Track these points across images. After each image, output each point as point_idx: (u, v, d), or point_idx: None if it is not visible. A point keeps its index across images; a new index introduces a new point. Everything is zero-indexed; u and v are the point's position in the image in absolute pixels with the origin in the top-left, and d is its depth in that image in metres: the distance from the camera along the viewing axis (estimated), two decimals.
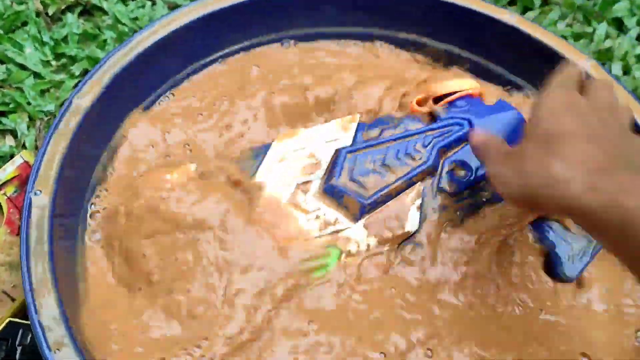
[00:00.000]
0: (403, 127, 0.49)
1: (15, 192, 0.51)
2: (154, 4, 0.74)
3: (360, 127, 0.49)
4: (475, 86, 0.52)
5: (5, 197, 0.50)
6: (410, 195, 0.46)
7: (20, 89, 0.65)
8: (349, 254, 0.45)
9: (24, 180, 0.51)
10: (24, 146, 0.62)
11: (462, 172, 0.47)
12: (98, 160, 0.50)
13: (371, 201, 0.45)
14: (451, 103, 0.50)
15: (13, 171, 0.52)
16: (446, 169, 0.47)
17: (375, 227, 0.45)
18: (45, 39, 0.68)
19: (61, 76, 0.66)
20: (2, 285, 0.49)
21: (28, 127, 0.63)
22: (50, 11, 0.71)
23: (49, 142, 0.46)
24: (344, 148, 0.47)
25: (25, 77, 0.65)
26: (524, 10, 0.76)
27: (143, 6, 0.73)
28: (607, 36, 0.74)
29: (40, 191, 0.44)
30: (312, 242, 0.44)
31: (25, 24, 0.70)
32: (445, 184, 0.47)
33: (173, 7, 0.74)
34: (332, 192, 0.46)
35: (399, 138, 0.48)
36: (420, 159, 0.46)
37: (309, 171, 0.47)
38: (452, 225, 0.47)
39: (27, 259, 0.40)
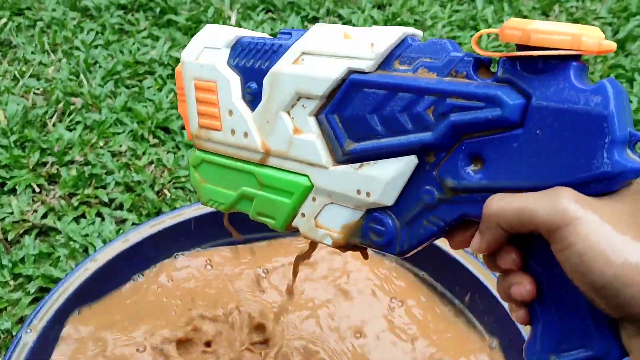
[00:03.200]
0: (448, 68, 0.35)
1: None
2: (102, 219, 0.85)
3: (403, 44, 0.37)
4: (592, 45, 0.30)
5: None
6: (402, 163, 0.36)
7: None
8: (315, 197, 0.41)
9: None
10: None
11: (471, 167, 0.34)
12: None
13: (352, 152, 0.38)
14: (530, 59, 0.32)
15: None
16: (460, 154, 0.34)
17: (351, 182, 0.39)
18: (4, 262, 0.77)
19: (18, 294, 0.74)
20: None
21: None
22: (10, 236, 0.81)
23: None
24: (355, 75, 0.37)
25: None
26: None
27: (93, 223, 0.84)
28: None
29: None
30: (289, 160, 0.42)
31: None
32: (446, 172, 0.35)
33: (120, 221, 0.85)
34: (322, 123, 0.39)
35: (415, 89, 0.35)
36: (424, 127, 0.35)
37: (314, 85, 0.39)
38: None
39: None
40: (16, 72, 1.13)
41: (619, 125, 0.29)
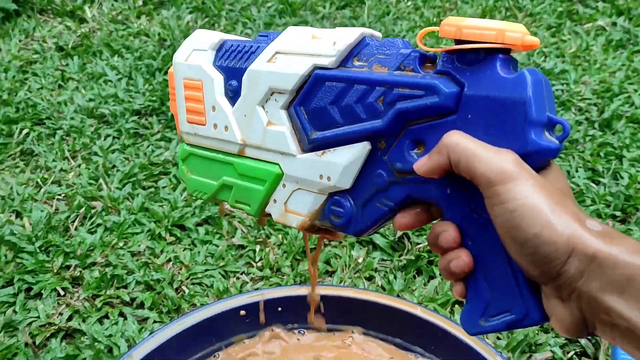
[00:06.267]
0: (398, 63, 0.39)
1: None
2: (125, 319, 0.88)
3: (362, 43, 0.41)
4: (515, 39, 0.34)
5: None
6: (356, 149, 0.41)
7: None
8: (285, 184, 0.45)
9: None
10: None
11: (415, 151, 0.39)
12: None
13: (315, 140, 0.42)
14: (463, 52, 0.36)
15: None
16: (406, 140, 0.39)
17: (315, 168, 0.43)
18: None
19: None
20: None
21: None
22: (38, 340, 0.84)
23: None
24: (319, 70, 0.42)
25: None
26: (429, 279, 0.94)
27: (116, 323, 0.87)
28: None
29: None
30: (263, 150, 0.46)
31: (15, 355, 0.83)
32: (394, 156, 0.39)
33: (141, 320, 0.89)
34: (291, 115, 0.44)
35: (366, 82, 0.39)
36: (375, 116, 0.39)
37: (285, 81, 0.44)
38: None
39: None
40: (38, 180, 1.20)
41: (535, 108, 0.33)
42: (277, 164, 0.45)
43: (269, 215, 0.47)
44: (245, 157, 0.48)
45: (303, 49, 0.43)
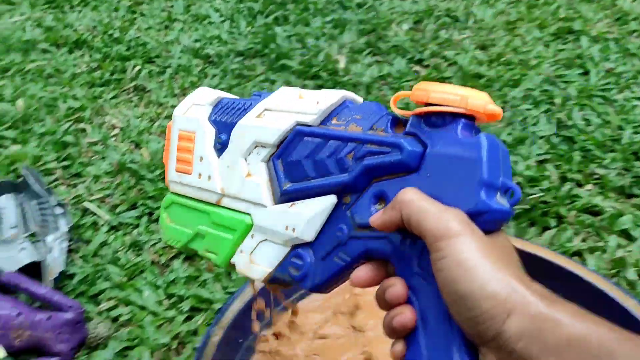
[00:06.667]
0: (371, 124, 0.41)
1: None
2: None
3: (342, 105, 0.44)
4: (477, 106, 0.36)
5: None
6: (323, 202, 0.42)
7: (142, 326, 0.80)
8: (253, 234, 0.46)
9: None
10: None
11: (376, 206, 0.40)
12: None
13: (286, 192, 0.44)
14: (430, 115, 0.38)
15: None
16: (370, 194, 0.40)
17: (282, 219, 0.44)
18: (159, 283, 0.85)
19: (172, 312, 0.82)
20: None
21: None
22: (162, 260, 0.89)
23: None
24: (301, 127, 0.44)
25: (144, 316, 0.81)
26: (543, 230, 0.92)
27: None
28: (619, 246, 0.88)
29: None
30: (239, 200, 0.47)
31: (142, 272, 0.88)
32: (357, 210, 0.40)
33: None
34: (269, 168, 0.46)
35: (340, 138, 0.42)
36: (343, 170, 0.41)
37: (268, 135, 0.46)
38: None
39: None
40: (152, 114, 1.25)
41: (488, 170, 0.35)
42: (249, 215, 0.47)
43: (234, 266, 0.48)
44: (221, 206, 0.49)
45: (289, 107, 0.45)
